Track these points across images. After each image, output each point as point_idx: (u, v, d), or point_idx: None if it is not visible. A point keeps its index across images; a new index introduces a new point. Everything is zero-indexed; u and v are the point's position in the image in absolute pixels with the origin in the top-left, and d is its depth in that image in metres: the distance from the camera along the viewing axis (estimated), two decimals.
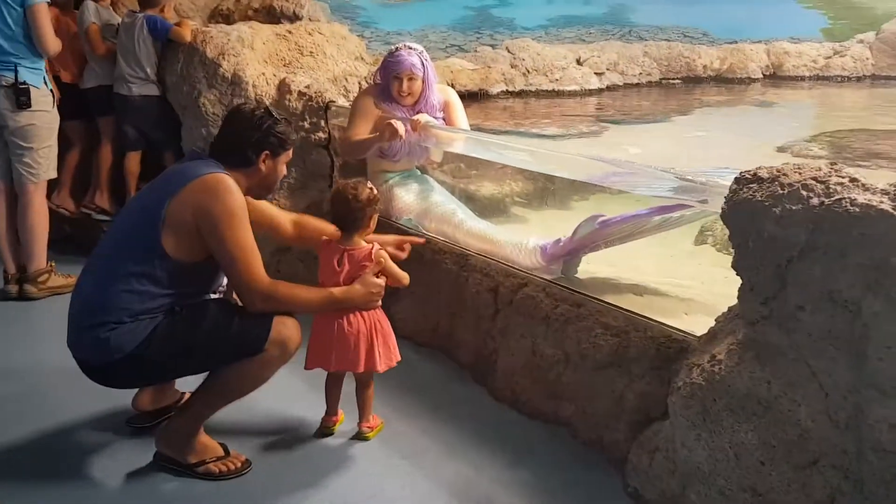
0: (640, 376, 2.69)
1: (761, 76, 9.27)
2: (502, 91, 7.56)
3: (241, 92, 4.54)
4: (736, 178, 2.12)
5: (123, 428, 3.00)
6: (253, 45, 4.73)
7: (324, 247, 2.92)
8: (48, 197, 4.64)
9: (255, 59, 4.68)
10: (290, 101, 4.50)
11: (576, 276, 3.41)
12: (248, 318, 2.63)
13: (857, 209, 1.81)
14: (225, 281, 2.79)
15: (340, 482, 2.71)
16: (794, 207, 1.91)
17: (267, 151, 2.71)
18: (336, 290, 2.80)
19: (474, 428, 3.06)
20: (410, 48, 3.92)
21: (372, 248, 2.87)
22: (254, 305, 2.62)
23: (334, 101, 4.52)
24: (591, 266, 3.43)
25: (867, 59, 9.73)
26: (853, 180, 1.91)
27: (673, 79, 8.93)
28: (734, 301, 2.18)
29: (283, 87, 4.57)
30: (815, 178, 1.94)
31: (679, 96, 8.35)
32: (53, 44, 4.27)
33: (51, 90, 4.39)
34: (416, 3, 10.83)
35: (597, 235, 3.29)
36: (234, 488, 2.68)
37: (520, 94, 7.65)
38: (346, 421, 3.03)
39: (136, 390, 2.99)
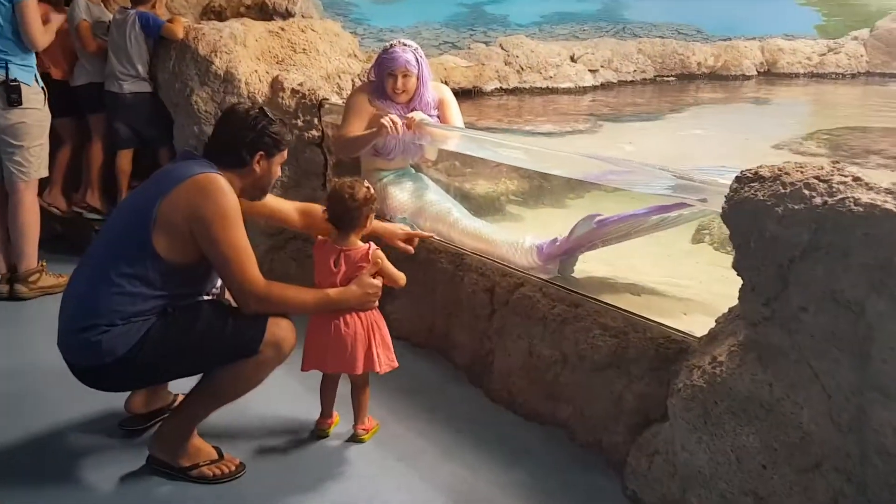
0: (638, 377, 2.67)
1: (756, 73, 9.29)
2: (496, 88, 7.55)
3: (233, 89, 4.51)
4: (737, 177, 2.09)
5: (116, 430, 2.97)
6: (245, 42, 4.69)
7: (320, 247, 2.89)
8: (39, 195, 4.60)
9: (248, 56, 4.65)
10: (282, 98, 4.46)
11: (572, 275, 3.38)
12: (242, 319, 2.60)
13: (861, 209, 1.78)
14: (219, 282, 2.76)
15: (336, 485, 2.69)
16: (796, 207, 1.89)
17: (261, 152, 2.68)
18: (332, 292, 2.77)
19: (471, 429, 3.04)
20: (405, 45, 3.89)
21: (369, 249, 2.84)
22: (248, 307, 2.59)
23: (328, 99, 4.48)
24: (588, 265, 3.40)
25: (861, 56, 9.76)
26: (856, 179, 1.88)
27: (667, 76, 8.94)
28: (733, 300, 2.16)
29: (275, 85, 4.54)
30: (817, 177, 1.92)
31: (673, 93, 8.36)
32: (42, 37, 4.23)
33: (42, 87, 4.35)
34: (409, 0, 10.81)
35: (594, 235, 3.26)
36: (228, 492, 2.65)
37: (514, 91, 7.64)
38: (341, 423, 3.01)
39: (129, 393, 2.96)
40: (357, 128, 3.86)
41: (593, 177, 3.30)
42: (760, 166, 2.06)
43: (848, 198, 1.82)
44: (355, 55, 5.17)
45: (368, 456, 2.86)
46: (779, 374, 1.96)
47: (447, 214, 3.78)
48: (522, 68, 7.81)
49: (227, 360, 2.59)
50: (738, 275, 2.07)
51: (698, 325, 2.50)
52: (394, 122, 3.67)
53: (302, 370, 2.88)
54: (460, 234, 3.68)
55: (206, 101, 4.55)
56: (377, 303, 2.88)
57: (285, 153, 2.78)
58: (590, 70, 8.27)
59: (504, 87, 7.58)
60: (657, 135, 6.29)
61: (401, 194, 3.93)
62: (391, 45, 3.91)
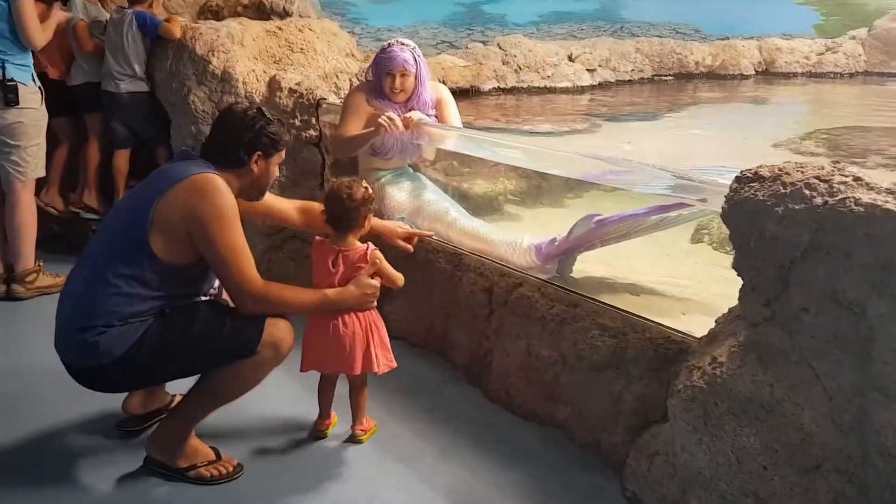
0: (638, 378, 2.66)
1: (753, 73, 9.28)
2: (494, 88, 7.53)
3: (230, 89, 4.49)
4: (737, 177, 2.08)
5: (113, 431, 2.95)
6: (243, 41, 4.68)
7: (318, 247, 2.88)
8: (36, 195, 4.59)
9: (245, 55, 4.63)
10: (280, 98, 4.45)
11: (571, 275, 3.37)
12: (240, 319, 2.59)
13: (862, 209, 1.77)
14: (217, 283, 2.74)
15: (334, 486, 2.68)
16: (796, 207, 1.88)
17: (259, 152, 2.66)
18: (330, 292, 2.76)
19: (469, 430, 3.03)
20: (403, 44, 3.88)
21: (367, 249, 2.83)
22: (246, 307, 2.58)
23: (325, 98, 4.47)
24: (587, 265, 3.39)
25: (859, 55, 9.75)
26: (857, 179, 1.87)
27: (665, 75, 8.92)
28: (732, 300, 2.15)
29: (273, 85, 4.53)
30: (818, 177, 1.91)
31: (671, 93, 8.35)
32: (40, 36, 4.22)
33: (39, 87, 4.33)
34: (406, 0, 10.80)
35: (593, 235, 3.25)
36: (226, 493, 2.64)
37: (511, 90, 7.62)
38: (339, 424, 3.00)
39: (126, 393, 2.94)
40: (355, 127, 3.84)
41: (592, 176, 3.29)
42: (760, 166, 2.05)
43: (849, 198, 1.81)
44: (353, 55, 5.16)
45: (367, 456, 2.85)
46: (779, 374, 1.95)
47: (445, 214, 3.77)
48: (520, 68, 7.80)
49: (225, 361, 2.58)
50: (738, 275, 2.06)
51: (698, 326, 2.49)
52: (391, 120, 3.66)
53: (301, 371, 2.87)
54: (458, 234, 3.67)
55: (203, 101, 4.54)
56: (375, 303, 2.87)
57: (283, 153, 2.77)
58: (588, 69, 8.26)
59: (502, 86, 7.56)
60: (655, 134, 6.28)
61: (399, 194, 3.92)
62: (389, 44, 3.89)
